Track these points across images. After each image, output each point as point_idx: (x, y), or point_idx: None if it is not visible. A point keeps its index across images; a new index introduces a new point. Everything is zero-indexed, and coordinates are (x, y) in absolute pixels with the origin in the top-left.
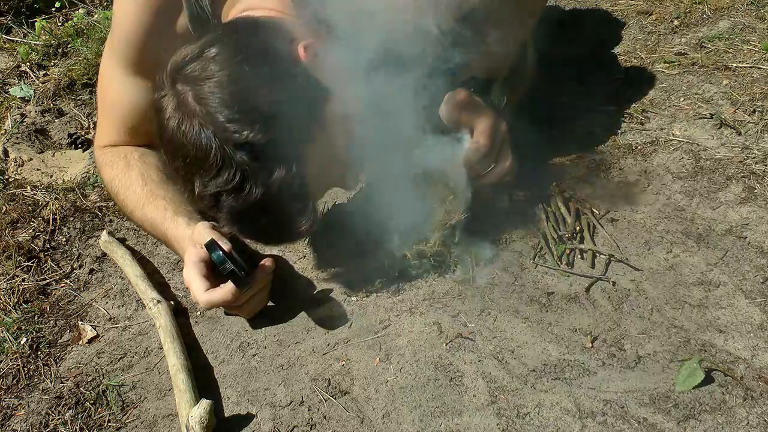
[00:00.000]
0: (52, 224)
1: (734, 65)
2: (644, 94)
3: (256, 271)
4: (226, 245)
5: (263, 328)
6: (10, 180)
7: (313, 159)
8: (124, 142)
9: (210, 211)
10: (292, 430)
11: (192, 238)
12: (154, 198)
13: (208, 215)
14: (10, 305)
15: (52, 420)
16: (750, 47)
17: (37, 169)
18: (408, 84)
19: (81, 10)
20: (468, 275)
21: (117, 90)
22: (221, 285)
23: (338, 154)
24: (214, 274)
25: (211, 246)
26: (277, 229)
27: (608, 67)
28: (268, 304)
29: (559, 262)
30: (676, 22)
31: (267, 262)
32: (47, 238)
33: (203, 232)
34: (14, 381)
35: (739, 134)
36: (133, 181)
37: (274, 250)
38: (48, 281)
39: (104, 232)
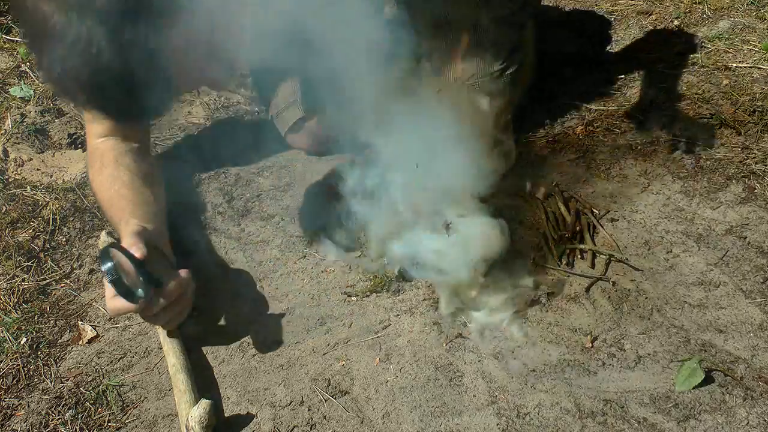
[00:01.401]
0: (52, 224)
1: (734, 65)
2: (644, 94)
3: (169, 282)
4: (139, 251)
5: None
6: (10, 180)
7: (175, 39)
8: (109, 131)
9: (62, 85)
10: (292, 430)
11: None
12: (118, 199)
13: None
14: (10, 305)
15: (52, 420)
16: (750, 47)
17: (37, 169)
18: None
19: None
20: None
21: None
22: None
23: (206, 45)
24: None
25: (103, 254)
26: (131, 101)
27: (608, 67)
28: (267, 311)
29: (559, 262)
30: (676, 22)
31: (182, 273)
32: (47, 238)
33: (126, 236)
34: (14, 381)
35: (739, 134)
36: (104, 182)
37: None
38: (48, 281)
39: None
